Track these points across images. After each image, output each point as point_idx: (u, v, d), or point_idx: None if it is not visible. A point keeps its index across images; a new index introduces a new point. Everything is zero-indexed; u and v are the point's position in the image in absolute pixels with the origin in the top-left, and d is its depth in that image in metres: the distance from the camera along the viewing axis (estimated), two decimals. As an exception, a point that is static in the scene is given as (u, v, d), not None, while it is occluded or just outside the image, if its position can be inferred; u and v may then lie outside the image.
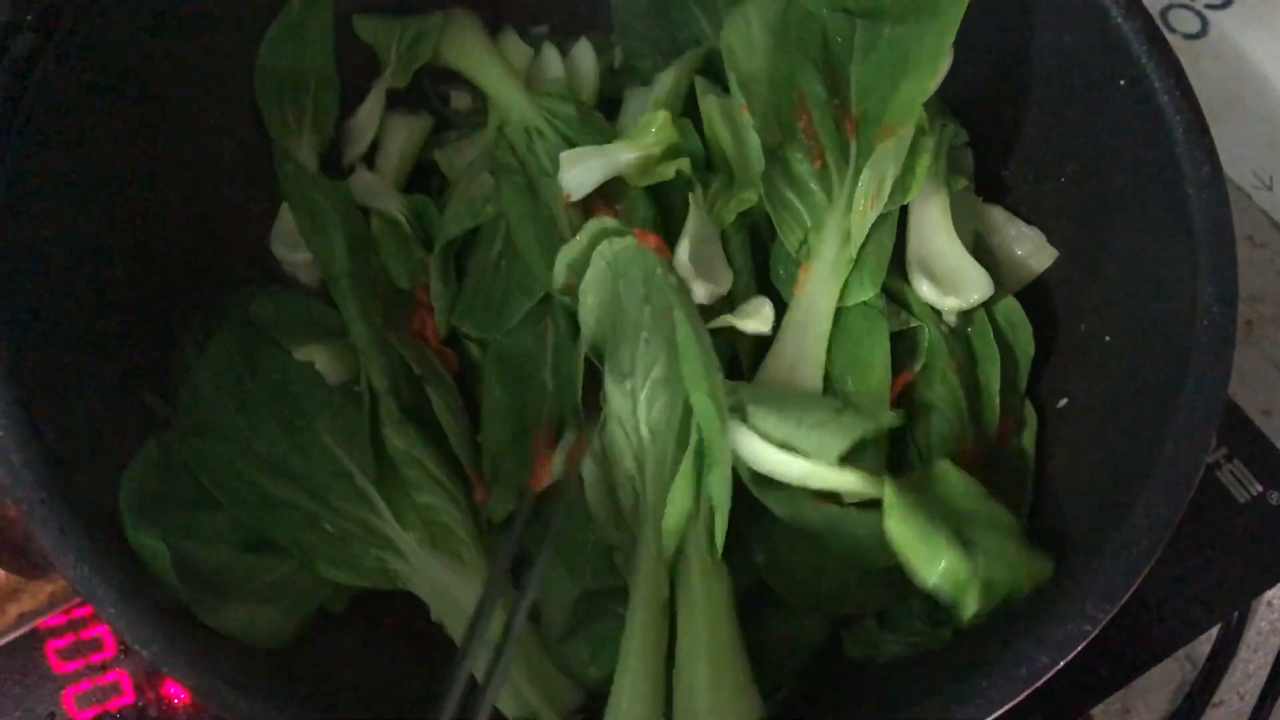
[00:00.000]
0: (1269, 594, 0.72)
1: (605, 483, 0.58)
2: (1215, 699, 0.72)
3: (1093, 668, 0.67)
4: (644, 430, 0.56)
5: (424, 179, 0.73)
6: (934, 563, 0.51)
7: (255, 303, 0.65)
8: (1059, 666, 0.47)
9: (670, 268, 0.55)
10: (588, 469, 0.58)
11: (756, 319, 0.58)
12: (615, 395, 0.57)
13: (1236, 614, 0.72)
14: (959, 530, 0.53)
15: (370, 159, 0.73)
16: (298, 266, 0.69)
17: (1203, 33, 0.84)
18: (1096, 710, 0.68)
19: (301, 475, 0.60)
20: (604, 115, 0.71)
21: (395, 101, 0.74)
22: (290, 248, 0.69)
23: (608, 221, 0.59)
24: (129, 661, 0.65)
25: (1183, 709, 0.71)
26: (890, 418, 0.55)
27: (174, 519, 0.54)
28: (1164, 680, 0.72)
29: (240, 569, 0.56)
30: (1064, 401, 0.63)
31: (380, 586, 0.59)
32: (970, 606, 0.51)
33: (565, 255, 0.60)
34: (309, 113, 0.71)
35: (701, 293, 0.58)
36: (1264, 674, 0.72)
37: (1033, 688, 0.47)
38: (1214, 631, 0.72)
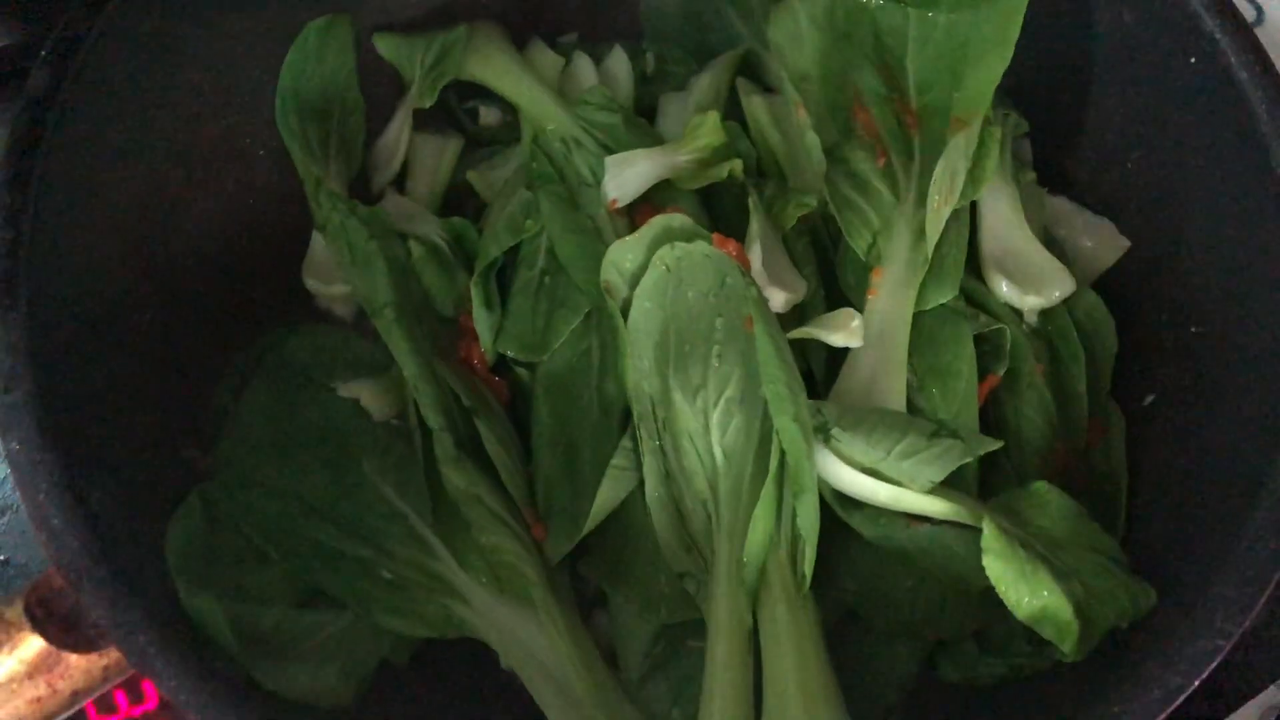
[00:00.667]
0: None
1: (672, 503, 0.54)
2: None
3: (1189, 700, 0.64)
4: (717, 451, 0.53)
5: (459, 203, 0.70)
6: (1034, 601, 0.47)
7: (290, 342, 0.63)
8: (1194, 687, 0.44)
9: (749, 277, 0.52)
10: (652, 490, 0.54)
11: (844, 332, 0.54)
12: (684, 412, 0.53)
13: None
14: (1057, 558, 0.49)
15: (400, 183, 0.70)
16: (333, 300, 0.66)
17: (1258, 21, 0.81)
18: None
19: (353, 521, 0.57)
20: (639, 124, 0.68)
21: (422, 122, 0.70)
22: (324, 280, 0.65)
23: (676, 219, 0.54)
24: (171, 714, 0.62)
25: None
26: (987, 444, 0.52)
27: (224, 577, 0.52)
28: (1252, 706, 0.68)
29: (297, 626, 0.54)
30: (1150, 398, 0.60)
31: (444, 635, 0.56)
32: (1073, 644, 0.47)
33: (618, 254, 0.55)
34: (334, 139, 0.68)
35: (778, 301, 0.54)
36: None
37: (1167, 712, 0.43)
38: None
